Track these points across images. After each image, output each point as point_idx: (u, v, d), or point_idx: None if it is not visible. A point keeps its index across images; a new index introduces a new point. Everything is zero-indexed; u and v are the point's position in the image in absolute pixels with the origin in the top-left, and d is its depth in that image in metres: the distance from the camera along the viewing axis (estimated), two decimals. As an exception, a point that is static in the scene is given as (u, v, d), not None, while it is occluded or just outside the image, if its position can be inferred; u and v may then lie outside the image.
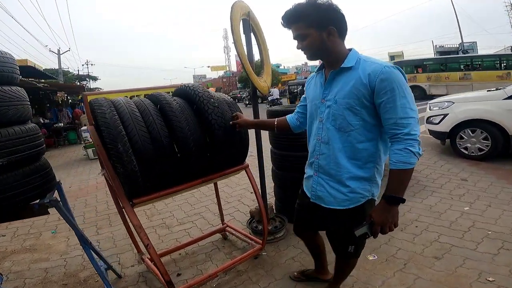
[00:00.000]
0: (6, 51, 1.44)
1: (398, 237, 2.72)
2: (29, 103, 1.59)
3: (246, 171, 2.28)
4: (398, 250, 2.51)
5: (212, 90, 16.48)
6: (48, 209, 1.56)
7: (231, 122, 1.91)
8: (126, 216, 1.75)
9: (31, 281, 2.55)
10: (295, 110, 1.80)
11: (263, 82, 2.48)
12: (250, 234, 2.95)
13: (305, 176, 1.68)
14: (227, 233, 3.03)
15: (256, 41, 2.63)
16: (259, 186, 2.83)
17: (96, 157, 8.28)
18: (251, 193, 4.20)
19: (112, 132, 1.46)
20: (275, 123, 1.79)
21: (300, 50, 1.34)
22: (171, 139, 1.68)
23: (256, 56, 2.60)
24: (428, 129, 5.50)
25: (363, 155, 1.35)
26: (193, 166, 1.80)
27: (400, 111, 1.20)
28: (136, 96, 2.18)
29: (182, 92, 1.96)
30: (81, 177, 6.26)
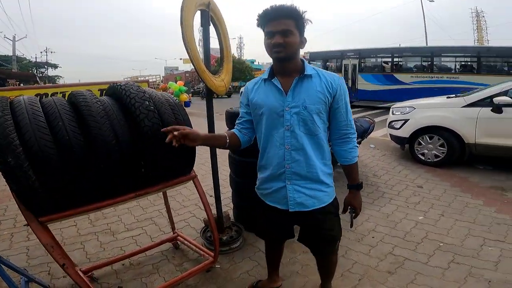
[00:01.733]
0: None
1: (355, 249, 2.61)
2: None
3: (194, 182, 2.02)
4: (354, 264, 2.40)
5: (180, 83, 15.74)
6: None
7: (166, 135, 1.58)
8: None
9: None
10: (236, 125, 1.62)
11: (219, 81, 2.20)
12: (204, 244, 2.71)
13: (268, 191, 1.60)
14: (178, 242, 2.75)
15: (217, 36, 2.35)
16: (212, 192, 2.61)
17: None
18: (211, 196, 3.90)
19: (1, 142, 1.12)
20: (227, 139, 1.51)
21: (275, 45, 1.31)
22: (89, 148, 1.36)
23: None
24: (390, 134, 5.53)
25: (326, 154, 1.50)
26: (121, 179, 1.49)
27: (349, 114, 1.45)
28: (60, 94, 1.81)
29: (113, 92, 1.63)
30: None
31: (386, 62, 13.00)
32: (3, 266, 1.72)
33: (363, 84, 13.49)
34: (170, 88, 13.54)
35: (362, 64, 13.85)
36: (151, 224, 3.22)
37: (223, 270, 2.39)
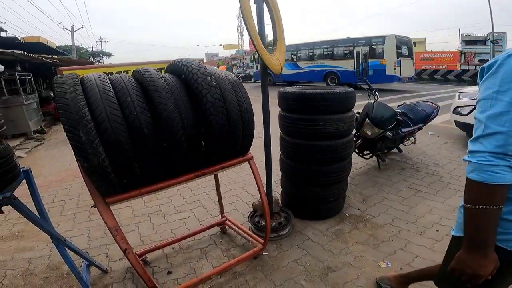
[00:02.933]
0: (22, 30, 1.09)
1: (416, 242, 2.38)
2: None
3: (249, 163, 1.93)
4: (415, 258, 2.20)
5: (222, 68, 15.99)
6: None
7: (228, 112, 1.44)
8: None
9: (12, 272, 2.31)
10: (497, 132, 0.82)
11: (275, 60, 2.07)
12: (251, 229, 2.66)
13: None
14: (226, 226, 2.73)
15: (270, 16, 2.21)
16: (264, 176, 2.50)
17: None
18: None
19: (72, 116, 1.10)
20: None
21: None
22: (155, 125, 1.32)
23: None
24: (455, 120, 5.00)
25: None
26: (183, 158, 1.44)
27: None
28: (124, 72, 1.81)
29: (174, 68, 1.57)
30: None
31: (294, 54, 17.63)
32: (66, 250, 1.79)
33: (284, 70, 15.81)
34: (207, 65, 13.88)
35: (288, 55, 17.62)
36: (199, 207, 3.25)
37: (270, 257, 2.32)
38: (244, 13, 1.74)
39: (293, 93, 2.52)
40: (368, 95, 3.85)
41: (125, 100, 1.27)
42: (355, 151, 3.87)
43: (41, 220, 1.52)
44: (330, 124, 2.40)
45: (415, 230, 2.55)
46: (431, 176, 3.71)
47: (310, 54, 17.01)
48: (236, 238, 2.63)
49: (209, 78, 1.46)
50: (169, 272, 2.22)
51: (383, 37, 13.68)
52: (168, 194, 3.55)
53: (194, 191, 3.65)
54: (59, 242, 1.64)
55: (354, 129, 2.94)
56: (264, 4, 2.09)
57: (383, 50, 13.69)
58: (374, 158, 4.08)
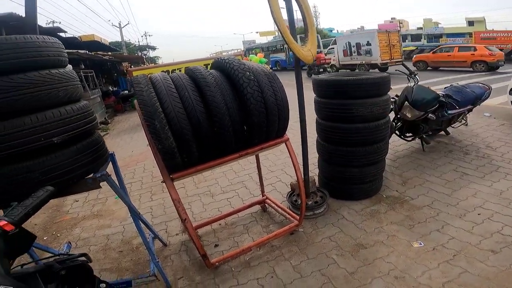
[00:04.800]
0: (74, 28, 1.51)
1: (454, 224, 2.44)
2: (79, 82, 1.70)
3: (286, 144, 2.20)
4: (450, 240, 2.27)
5: (260, 55, 15.98)
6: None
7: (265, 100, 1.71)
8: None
9: (95, 248, 2.82)
10: None
11: (306, 51, 2.27)
12: (289, 208, 2.92)
13: None
14: (266, 205, 3.04)
15: (299, 6, 2.39)
16: (301, 158, 2.75)
17: None
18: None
19: (150, 109, 1.50)
20: None
21: None
22: (207, 114, 1.67)
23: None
24: (511, 101, 4.60)
25: None
26: (229, 141, 1.78)
27: None
28: (178, 70, 2.20)
29: (218, 65, 1.90)
30: (142, 142, 6.63)
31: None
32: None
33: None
34: (251, 60, 14.11)
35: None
36: (242, 188, 3.64)
37: (305, 234, 2.57)
38: (273, 10, 1.94)
39: (327, 80, 2.71)
40: (408, 79, 3.82)
41: (184, 95, 1.63)
42: (396, 133, 3.90)
43: (124, 195, 1.97)
44: (364, 107, 2.57)
45: (454, 213, 2.59)
46: (480, 159, 3.59)
47: (273, 49, 24.77)
48: (275, 216, 2.94)
49: (248, 73, 1.75)
50: (216, 245, 2.60)
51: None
52: (215, 176, 4.02)
53: (238, 173, 4.06)
54: (135, 216, 2.07)
55: (392, 112, 3.01)
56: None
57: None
58: (418, 140, 4.04)
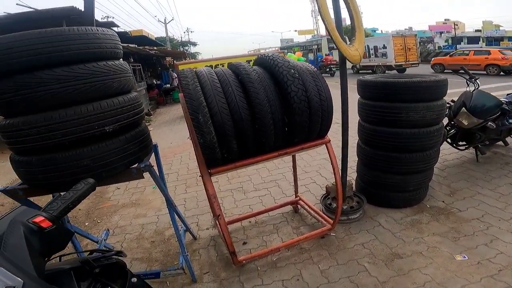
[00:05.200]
0: (124, 22, 1.58)
1: (505, 239, 2.21)
2: (131, 75, 1.77)
3: (326, 146, 2.11)
4: (498, 254, 2.07)
5: (298, 54, 15.86)
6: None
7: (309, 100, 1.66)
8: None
9: (130, 236, 2.91)
10: None
11: (354, 50, 2.16)
12: (323, 210, 2.84)
13: None
14: (298, 206, 2.98)
15: (347, 7, 2.28)
16: (340, 161, 2.63)
17: None
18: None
19: (195, 103, 1.51)
20: None
21: None
22: (249, 110, 1.65)
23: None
24: None
25: None
26: (270, 139, 1.75)
27: None
28: (221, 65, 2.21)
29: (262, 62, 1.86)
30: (181, 134, 6.91)
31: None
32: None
33: None
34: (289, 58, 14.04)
35: None
36: (275, 186, 3.60)
37: (337, 238, 2.46)
38: (321, 8, 1.87)
39: (374, 81, 2.56)
40: (467, 83, 3.48)
41: (227, 90, 1.63)
42: (447, 141, 3.60)
43: (164, 186, 2.01)
44: (415, 112, 2.39)
45: (506, 228, 2.36)
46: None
47: (309, 48, 23.87)
48: (306, 217, 2.86)
49: (293, 71, 1.69)
50: (244, 243, 2.58)
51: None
52: (248, 173, 4.02)
53: (271, 171, 4.02)
54: (171, 207, 2.11)
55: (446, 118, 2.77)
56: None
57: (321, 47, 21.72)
58: (471, 150, 3.69)
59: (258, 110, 1.63)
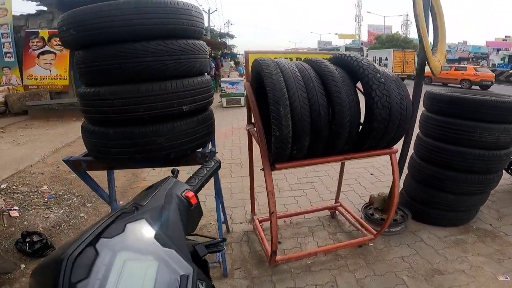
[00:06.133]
0: None
1: None
2: (208, 56, 1.69)
3: (391, 157, 1.97)
4: None
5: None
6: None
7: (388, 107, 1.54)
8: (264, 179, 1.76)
9: None
10: None
11: (436, 61, 1.98)
12: (362, 219, 2.71)
13: None
14: (336, 211, 2.87)
15: (433, 19, 2.12)
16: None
17: (229, 105, 9.18)
18: (371, 174, 3.81)
19: (277, 94, 1.41)
20: None
21: None
22: (328, 109, 1.53)
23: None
24: None
25: None
26: (342, 141, 1.63)
27: None
28: (296, 59, 2.09)
29: (342, 61, 1.74)
30: (221, 122, 6.81)
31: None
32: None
33: None
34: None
35: None
36: (311, 189, 3.47)
37: (375, 249, 2.37)
38: (418, 17, 1.72)
39: (447, 96, 2.38)
40: None
41: (308, 85, 1.52)
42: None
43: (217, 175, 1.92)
44: (489, 133, 2.22)
45: None
46: None
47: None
48: (344, 224, 2.75)
49: (378, 75, 1.55)
50: (279, 242, 2.48)
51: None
52: (283, 172, 3.89)
53: (307, 173, 3.89)
54: (220, 197, 2.04)
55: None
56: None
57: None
58: None
59: (337, 110, 1.52)
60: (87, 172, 1.66)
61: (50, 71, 7.90)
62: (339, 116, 1.51)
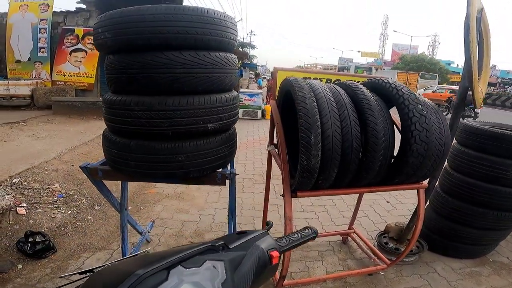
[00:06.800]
0: None
1: None
2: (237, 71, 1.60)
3: (419, 192, 1.82)
4: None
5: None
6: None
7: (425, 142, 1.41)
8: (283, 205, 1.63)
9: (169, 231, 2.73)
10: None
11: (479, 92, 1.82)
12: (375, 247, 2.57)
13: None
14: (348, 237, 2.73)
15: (479, 44, 1.96)
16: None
17: (244, 117, 8.98)
18: (387, 202, 3.62)
19: (309, 121, 1.29)
20: None
21: None
22: (361, 140, 1.40)
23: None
24: None
25: None
26: (372, 174, 1.48)
27: None
28: (319, 79, 1.97)
29: (379, 87, 1.60)
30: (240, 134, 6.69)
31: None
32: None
33: None
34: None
35: None
36: (323, 212, 3.31)
37: (386, 278, 2.26)
38: (471, 43, 1.57)
39: (485, 130, 2.21)
40: None
41: (342, 113, 1.39)
42: None
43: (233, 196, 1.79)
44: None
45: None
46: None
47: None
48: (355, 251, 2.62)
49: (420, 106, 1.42)
50: None
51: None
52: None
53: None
54: (233, 216, 1.90)
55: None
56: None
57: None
58: None
59: (371, 142, 1.39)
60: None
61: (79, 68, 8.03)
62: (372, 149, 1.38)
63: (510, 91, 26.48)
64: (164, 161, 1.29)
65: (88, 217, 2.88)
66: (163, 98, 1.21)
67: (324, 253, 2.56)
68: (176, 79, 1.21)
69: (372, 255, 2.42)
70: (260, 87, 12.84)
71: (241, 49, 25.40)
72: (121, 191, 1.81)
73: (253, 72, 24.62)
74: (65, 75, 8.06)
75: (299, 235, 0.83)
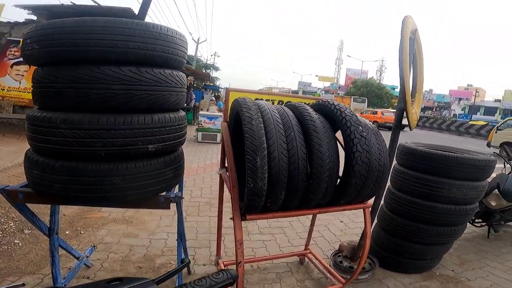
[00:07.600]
0: None
1: None
2: (185, 90, 1.54)
3: (364, 211, 1.86)
4: None
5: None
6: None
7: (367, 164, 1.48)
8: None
9: (114, 256, 2.52)
10: None
11: (414, 113, 1.98)
12: (331, 266, 2.58)
13: None
14: (305, 258, 2.72)
15: (413, 68, 2.16)
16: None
17: (204, 140, 8.69)
18: (341, 221, 3.70)
19: (255, 142, 1.26)
20: None
21: None
22: (306, 162, 1.40)
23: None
24: None
25: None
26: (319, 196, 1.49)
27: None
28: (271, 101, 2.00)
29: (325, 109, 1.65)
30: (187, 158, 6.42)
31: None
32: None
33: None
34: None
35: None
36: (281, 233, 3.27)
37: None
38: (403, 64, 1.71)
39: (420, 151, 2.39)
40: (504, 165, 3.42)
41: (289, 134, 1.39)
42: None
43: (181, 219, 1.69)
44: (459, 190, 2.30)
45: None
46: None
47: None
48: (312, 271, 2.61)
49: (361, 128, 1.48)
50: None
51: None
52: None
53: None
54: (182, 241, 1.78)
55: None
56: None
57: None
58: (484, 226, 3.66)
59: (316, 164, 1.39)
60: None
61: (20, 83, 7.28)
62: (317, 171, 1.39)
63: (445, 114, 29.28)
64: (95, 183, 1.14)
65: (16, 241, 2.57)
66: (95, 116, 1.09)
67: (282, 274, 2.51)
68: (113, 96, 1.11)
69: (328, 275, 2.42)
70: (220, 110, 12.82)
71: (204, 70, 25.43)
72: (50, 215, 1.58)
73: (215, 95, 24.46)
74: (3, 89, 7.24)
75: (210, 281, 0.70)
